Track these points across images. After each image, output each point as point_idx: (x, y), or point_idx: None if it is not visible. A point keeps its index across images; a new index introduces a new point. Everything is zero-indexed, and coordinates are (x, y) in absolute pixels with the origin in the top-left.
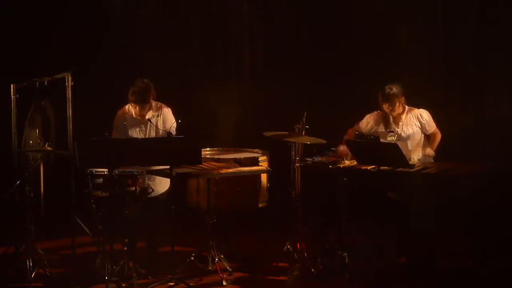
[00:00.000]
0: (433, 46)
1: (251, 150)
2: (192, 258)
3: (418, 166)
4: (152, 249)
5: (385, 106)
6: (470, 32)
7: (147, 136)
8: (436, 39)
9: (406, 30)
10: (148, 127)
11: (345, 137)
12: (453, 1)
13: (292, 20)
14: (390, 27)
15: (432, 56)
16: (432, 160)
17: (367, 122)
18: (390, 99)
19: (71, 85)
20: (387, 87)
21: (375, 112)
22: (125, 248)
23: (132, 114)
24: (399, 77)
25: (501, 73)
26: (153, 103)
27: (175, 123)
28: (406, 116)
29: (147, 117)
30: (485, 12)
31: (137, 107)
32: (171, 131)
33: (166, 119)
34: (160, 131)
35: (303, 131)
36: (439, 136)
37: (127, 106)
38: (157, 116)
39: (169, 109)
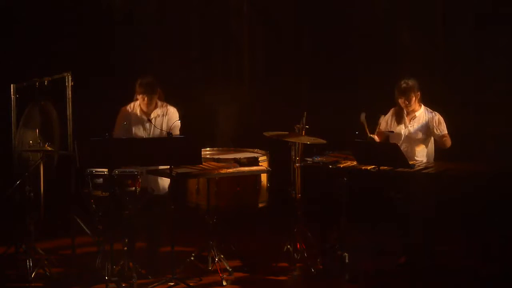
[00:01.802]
0: (434, 46)
1: (251, 150)
2: (192, 258)
3: (418, 166)
4: (152, 249)
5: (401, 101)
6: (470, 32)
7: (150, 135)
8: (436, 39)
9: (406, 31)
10: (152, 126)
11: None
12: (453, 3)
13: (292, 20)
14: (390, 27)
15: (432, 56)
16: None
17: (384, 122)
18: (406, 93)
19: (71, 85)
20: (403, 82)
21: (390, 110)
22: (125, 248)
23: (137, 112)
24: (399, 77)
25: (501, 72)
26: (159, 102)
27: (179, 121)
28: (420, 114)
29: (152, 115)
30: (485, 12)
31: (145, 99)
32: (175, 129)
33: (172, 118)
34: (164, 132)
35: (303, 131)
36: (448, 142)
37: (132, 104)
38: (163, 115)
39: (175, 109)
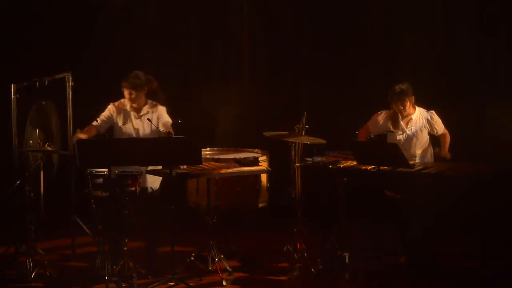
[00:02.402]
0: (433, 47)
1: (251, 150)
2: (192, 258)
3: (418, 166)
4: (152, 249)
5: (396, 106)
6: (469, 33)
7: (140, 132)
8: (436, 39)
9: (406, 31)
10: (142, 124)
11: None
12: (452, 4)
13: (292, 20)
14: (391, 28)
15: (432, 56)
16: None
17: (376, 122)
18: (400, 98)
19: (71, 85)
20: (397, 86)
21: (383, 112)
22: (125, 248)
23: (127, 108)
24: (399, 78)
25: (501, 73)
26: (149, 101)
27: (171, 122)
28: (416, 117)
29: (142, 112)
30: (484, 13)
31: (127, 93)
32: (166, 126)
33: (161, 116)
34: (153, 126)
35: (303, 131)
36: (448, 137)
37: (123, 100)
38: (152, 112)
39: (164, 107)
